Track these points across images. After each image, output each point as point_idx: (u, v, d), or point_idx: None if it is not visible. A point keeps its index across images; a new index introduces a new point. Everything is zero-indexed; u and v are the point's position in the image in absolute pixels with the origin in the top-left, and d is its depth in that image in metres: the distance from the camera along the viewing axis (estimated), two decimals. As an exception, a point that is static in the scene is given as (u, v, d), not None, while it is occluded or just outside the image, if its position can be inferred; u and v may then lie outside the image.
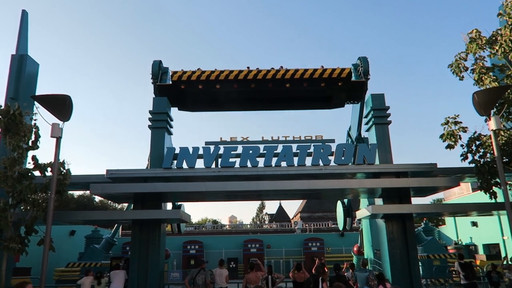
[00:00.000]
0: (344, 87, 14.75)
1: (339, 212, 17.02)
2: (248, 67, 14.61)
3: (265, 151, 12.55)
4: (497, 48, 9.95)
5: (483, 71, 10.49)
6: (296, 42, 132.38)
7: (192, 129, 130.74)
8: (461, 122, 10.77)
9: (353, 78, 14.70)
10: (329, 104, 15.85)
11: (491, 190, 10.42)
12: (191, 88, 14.34)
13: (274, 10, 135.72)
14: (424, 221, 23.64)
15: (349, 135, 16.47)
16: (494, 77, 10.36)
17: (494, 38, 10.41)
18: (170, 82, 14.33)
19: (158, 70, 14.39)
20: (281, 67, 14.74)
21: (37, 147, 10.41)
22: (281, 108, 16.19)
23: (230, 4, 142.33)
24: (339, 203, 16.82)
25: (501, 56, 9.97)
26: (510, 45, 9.66)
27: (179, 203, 15.06)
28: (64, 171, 10.40)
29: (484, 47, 10.45)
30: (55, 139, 8.67)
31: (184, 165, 12.34)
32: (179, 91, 14.34)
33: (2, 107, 10.18)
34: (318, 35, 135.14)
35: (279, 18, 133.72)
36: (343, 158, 12.34)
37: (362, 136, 15.35)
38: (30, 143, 10.29)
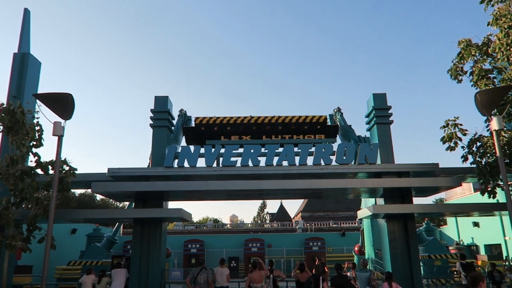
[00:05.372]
0: (321, 129, 16.95)
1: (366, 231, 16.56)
2: (251, 115, 17.31)
3: (266, 150, 12.56)
4: (496, 51, 9.96)
5: (482, 73, 10.52)
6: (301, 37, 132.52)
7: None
8: (461, 124, 10.82)
9: (328, 123, 17.10)
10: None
11: (491, 189, 10.43)
12: (208, 129, 16.94)
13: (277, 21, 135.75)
14: (425, 221, 23.58)
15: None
16: (489, 82, 10.42)
17: (485, 44, 10.51)
18: (194, 125, 16.92)
19: (184, 118, 17.43)
20: (273, 116, 17.49)
21: (41, 145, 10.44)
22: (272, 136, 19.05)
23: (230, 5, 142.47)
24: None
25: (502, 60, 9.95)
26: (507, 48, 9.65)
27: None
28: (68, 168, 10.41)
29: (475, 53, 10.54)
30: (56, 137, 8.68)
31: (186, 164, 12.36)
32: (199, 132, 17.22)
33: (5, 106, 10.22)
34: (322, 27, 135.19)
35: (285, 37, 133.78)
36: (344, 157, 12.32)
37: (363, 136, 15.36)
38: (33, 141, 10.32)
